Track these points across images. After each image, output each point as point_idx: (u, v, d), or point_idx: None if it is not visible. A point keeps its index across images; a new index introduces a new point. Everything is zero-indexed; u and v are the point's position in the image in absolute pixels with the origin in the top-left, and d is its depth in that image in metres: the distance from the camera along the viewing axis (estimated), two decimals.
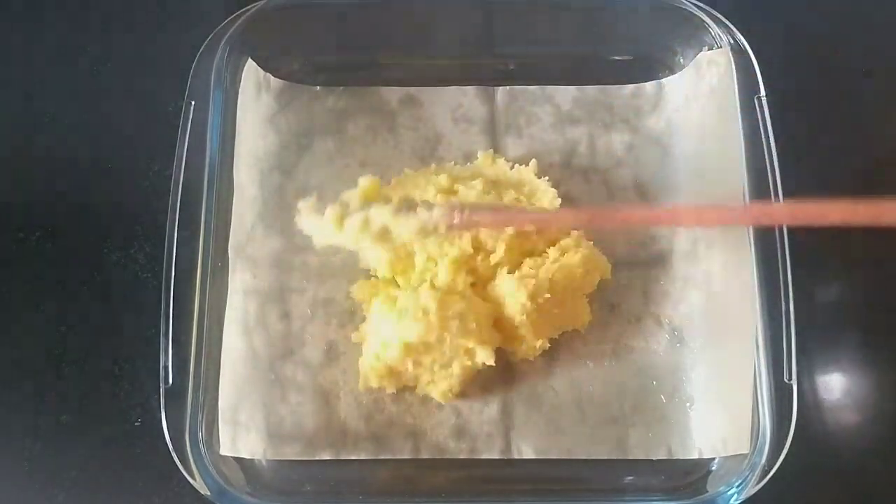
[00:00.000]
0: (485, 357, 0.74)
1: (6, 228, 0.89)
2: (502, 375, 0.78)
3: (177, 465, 0.71)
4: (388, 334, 0.75)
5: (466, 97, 0.89)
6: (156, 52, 0.95)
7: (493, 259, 0.76)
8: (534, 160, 0.84)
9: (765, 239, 0.75)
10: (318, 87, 0.89)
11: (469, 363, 0.75)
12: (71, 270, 0.87)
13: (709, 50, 0.85)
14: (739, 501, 0.70)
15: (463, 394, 0.78)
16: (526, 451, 0.77)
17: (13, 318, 0.86)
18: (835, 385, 0.83)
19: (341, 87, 0.89)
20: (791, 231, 0.73)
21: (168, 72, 0.90)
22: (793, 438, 0.70)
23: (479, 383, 0.78)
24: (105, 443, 0.81)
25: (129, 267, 0.87)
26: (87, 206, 0.90)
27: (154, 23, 0.98)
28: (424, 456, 0.76)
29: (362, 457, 0.76)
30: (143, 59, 0.96)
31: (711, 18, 0.83)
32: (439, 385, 0.76)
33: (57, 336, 0.85)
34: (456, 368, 0.75)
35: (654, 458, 0.76)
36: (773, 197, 0.75)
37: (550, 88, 0.89)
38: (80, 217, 0.89)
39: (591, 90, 0.89)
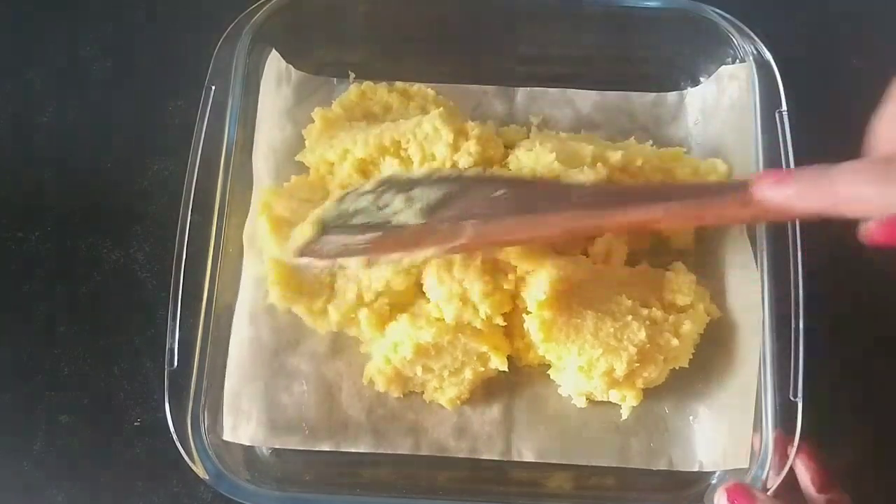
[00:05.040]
0: (498, 363, 0.74)
1: (5, 228, 0.89)
2: (507, 378, 0.78)
3: (176, 466, 0.71)
4: (399, 336, 0.75)
5: (486, 96, 0.89)
6: (155, 52, 0.96)
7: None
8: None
9: (775, 254, 0.73)
10: (336, 80, 0.89)
11: (482, 369, 0.75)
12: (70, 270, 0.87)
13: (733, 61, 0.84)
14: None
15: None
16: (526, 453, 0.76)
17: (12, 318, 0.86)
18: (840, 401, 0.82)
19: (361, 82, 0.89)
20: (805, 244, 0.72)
21: (168, 72, 0.92)
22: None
23: (483, 385, 0.78)
24: (104, 443, 0.82)
25: (129, 266, 0.87)
26: (86, 205, 0.90)
27: (154, 23, 0.98)
28: (424, 453, 0.76)
29: (362, 449, 0.76)
30: (141, 59, 0.96)
31: (736, 29, 0.83)
32: (447, 392, 0.77)
33: (56, 336, 0.85)
34: (468, 374, 0.76)
35: (654, 469, 0.76)
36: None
37: (571, 92, 0.89)
38: (79, 217, 0.89)
39: (612, 95, 0.89)
